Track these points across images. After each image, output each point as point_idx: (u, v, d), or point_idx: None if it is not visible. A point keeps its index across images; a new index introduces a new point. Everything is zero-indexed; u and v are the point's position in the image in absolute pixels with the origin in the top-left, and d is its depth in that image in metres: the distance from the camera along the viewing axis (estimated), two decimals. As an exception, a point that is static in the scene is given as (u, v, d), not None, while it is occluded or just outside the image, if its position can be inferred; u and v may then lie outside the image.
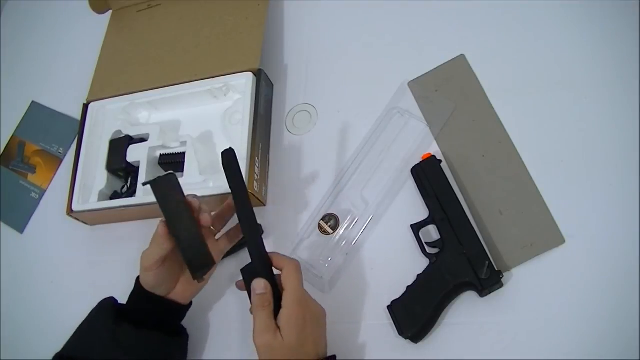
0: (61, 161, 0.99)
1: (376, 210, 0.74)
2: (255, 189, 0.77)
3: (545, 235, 0.66)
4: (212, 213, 0.63)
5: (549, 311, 0.62)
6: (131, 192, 0.84)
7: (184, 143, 0.83)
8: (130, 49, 0.95)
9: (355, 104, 0.82)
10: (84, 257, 0.89)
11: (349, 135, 0.80)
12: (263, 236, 0.78)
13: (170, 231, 0.59)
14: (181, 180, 0.79)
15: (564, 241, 0.65)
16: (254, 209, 0.80)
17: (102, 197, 0.85)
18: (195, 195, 0.62)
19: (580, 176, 0.67)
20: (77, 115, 0.93)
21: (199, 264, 0.62)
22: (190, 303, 0.68)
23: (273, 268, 0.62)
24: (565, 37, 0.75)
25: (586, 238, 0.64)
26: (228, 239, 0.68)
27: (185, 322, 0.70)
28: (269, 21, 0.89)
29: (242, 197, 0.61)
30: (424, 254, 0.68)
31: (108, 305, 0.66)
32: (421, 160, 0.72)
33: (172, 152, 0.84)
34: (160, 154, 0.84)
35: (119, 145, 0.86)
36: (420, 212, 0.71)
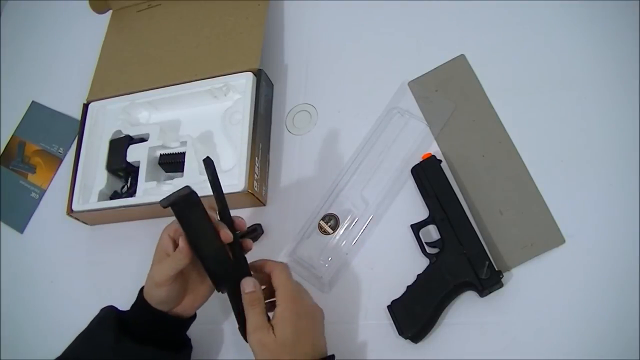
0: (61, 161, 0.99)
1: (376, 210, 0.74)
2: (255, 189, 0.77)
3: (545, 235, 0.66)
4: None
5: (549, 311, 0.62)
6: (131, 192, 0.84)
7: (184, 143, 0.83)
8: (130, 49, 0.95)
9: (355, 104, 0.82)
10: (84, 257, 0.89)
11: (349, 135, 0.80)
12: (263, 236, 0.78)
13: (193, 249, 0.58)
14: (181, 181, 0.80)
15: (564, 241, 0.65)
16: (254, 209, 0.81)
17: (102, 197, 0.85)
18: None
19: (580, 176, 0.67)
20: (77, 115, 0.93)
21: (225, 278, 0.60)
22: (195, 315, 0.66)
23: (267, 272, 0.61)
24: (565, 37, 0.75)
25: (586, 238, 0.64)
26: None
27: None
28: (269, 21, 0.89)
29: (222, 202, 0.60)
30: (424, 254, 0.68)
31: (109, 317, 0.63)
32: (421, 160, 0.72)
33: (172, 152, 0.84)
34: (160, 154, 0.84)
35: (119, 145, 0.86)
36: (420, 212, 0.71)
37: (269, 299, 0.61)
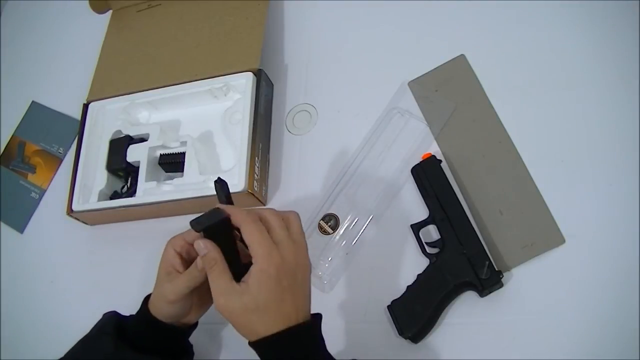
0: (61, 161, 0.99)
1: (376, 210, 0.74)
2: (255, 189, 0.77)
3: (545, 235, 0.66)
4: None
5: (549, 311, 0.62)
6: (131, 192, 0.84)
7: (184, 143, 0.83)
8: (130, 49, 0.95)
9: (355, 104, 0.82)
10: (84, 257, 0.89)
11: (349, 135, 0.80)
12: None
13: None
14: (181, 180, 0.80)
15: (564, 241, 0.65)
16: (254, 208, 0.80)
17: (102, 197, 0.85)
18: None
19: (580, 176, 0.67)
20: (77, 115, 0.93)
21: None
22: (197, 323, 0.65)
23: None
24: (565, 37, 0.75)
25: (586, 238, 0.64)
26: None
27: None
28: (269, 21, 0.89)
29: None
30: (424, 254, 0.68)
31: (110, 323, 0.61)
32: (421, 160, 0.72)
33: (172, 152, 0.84)
34: (160, 154, 0.84)
35: (119, 145, 0.86)
36: (420, 212, 0.71)
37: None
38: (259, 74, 0.83)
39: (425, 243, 0.69)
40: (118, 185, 0.87)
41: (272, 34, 0.92)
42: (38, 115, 1.04)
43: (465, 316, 0.65)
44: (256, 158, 0.78)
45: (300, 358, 0.52)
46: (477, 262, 0.64)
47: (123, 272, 0.83)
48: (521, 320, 0.63)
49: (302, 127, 0.84)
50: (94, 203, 0.84)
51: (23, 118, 1.05)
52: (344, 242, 0.73)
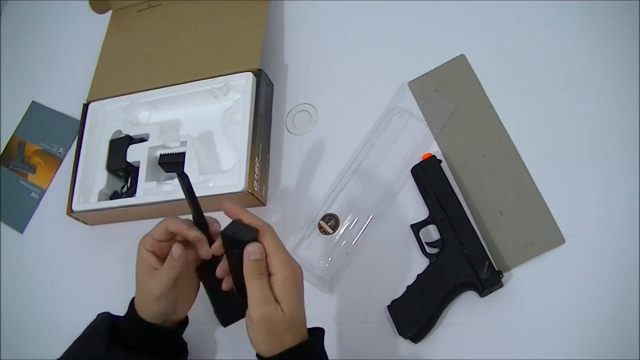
0: (61, 161, 0.99)
1: (376, 210, 0.74)
2: (255, 189, 0.77)
3: (545, 235, 0.66)
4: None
5: (549, 311, 0.62)
6: (131, 192, 0.84)
7: (184, 143, 0.83)
8: (130, 49, 0.95)
9: (355, 104, 0.82)
10: (84, 257, 0.89)
11: (349, 135, 0.80)
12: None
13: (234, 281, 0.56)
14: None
15: (564, 241, 0.65)
16: (254, 209, 0.81)
17: (102, 197, 0.85)
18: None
19: (580, 176, 0.67)
20: (77, 115, 0.93)
21: (231, 312, 0.60)
22: (187, 319, 0.66)
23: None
24: (565, 37, 0.75)
25: (586, 238, 0.64)
26: None
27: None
28: (269, 21, 0.89)
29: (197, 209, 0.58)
30: (424, 254, 0.68)
31: (102, 324, 0.62)
32: (421, 160, 0.72)
33: (172, 152, 0.84)
34: (160, 154, 0.84)
35: (119, 145, 0.86)
36: (420, 212, 0.71)
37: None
38: (259, 74, 0.83)
39: (425, 243, 0.69)
40: (118, 185, 0.87)
41: (272, 34, 0.92)
42: (38, 115, 1.04)
43: (465, 316, 0.65)
44: (256, 158, 0.78)
45: None
46: (477, 262, 0.64)
47: (123, 272, 0.83)
48: (521, 320, 0.63)
49: (302, 127, 0.84)
50: (94, 203, 0.84)
51: (23, 118, 1.05)
52: (344, 242, 0.73)
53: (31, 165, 1.01)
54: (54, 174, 0.98)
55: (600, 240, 0.64)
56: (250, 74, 0.82)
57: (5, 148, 1.04)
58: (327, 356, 0.56)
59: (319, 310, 0.71)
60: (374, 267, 0.72)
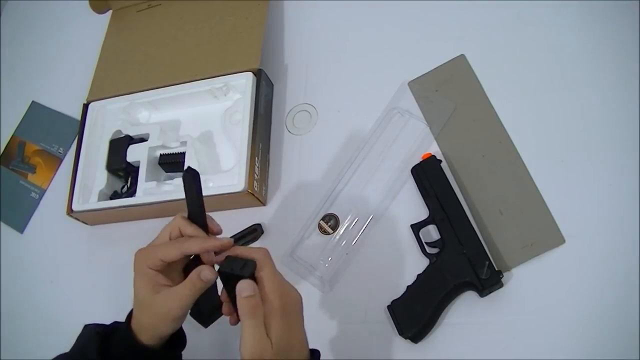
0: (61, 161, 0.99)
1: (376, 210, 0.74)
2: (255, 189, 0.77)
3: (545, 235, 0.66)
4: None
5: (549, 311, 0.62)
6: (131, 192, 0.84)
7: (184, 143, 0.83)
8: (130, 49, 0.95)
9: (355, 104, 0.82)
10: (84, 257, 0.89)
11: (349, 135, 0.80)
12: (263, 236, 0.78)
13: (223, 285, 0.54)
14: (181, 181, 0.80)
15: (564, 241, 0.65)
16: (254, 209, 0.81)
17: (102, 197, 0.85)
18: None
19: (580, 176, 0.67)
20: (77, 115, 0.93)
21: (212, 312, 0.58)
22: (185, 336, 0.61)
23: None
24: (565, 37, 0.75)
25: (586, 238, 0.64)
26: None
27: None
28: (269, 21, 0.89)
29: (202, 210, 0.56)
30: (424, 254, 0.68)
31: (92, 345, 0.56)
32: (421, 160, 0.72)
33: (172, 152, 0.84)
34: (160, 154, 0.84)
35: (119, 145, 0.86)
36: (420, 212, 0.71)
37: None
38: (259, 74, 0.83)
39: (425, 243, 0.69)
40: (118, 185, 0.87)
41: (272, 34, 0.92)
42: (38, 115, 1.05)
43: (465, 316, 0.65)
44: (256, 158, 0.78)
45: None
46: (477, 262, 0.64)
47: (123, 272, 0.82)
48: (521, 320, 0.63)
49: (302, 127, 0.84)
50: (94, 203, 0.84)
51: (23, 118, 1.05)
52: (344, 242, 0.73)
53: (31, 165, 1.01)
54: (54, 174, 0.98)
55: (600, 240, 0.64)
56: (250, 74, 0.82)
57: (5, 148, 1.04)
58: None
59: (319, 310, 0.71)
60: (374, 267, 0.72)
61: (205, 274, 0.52)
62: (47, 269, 0.90)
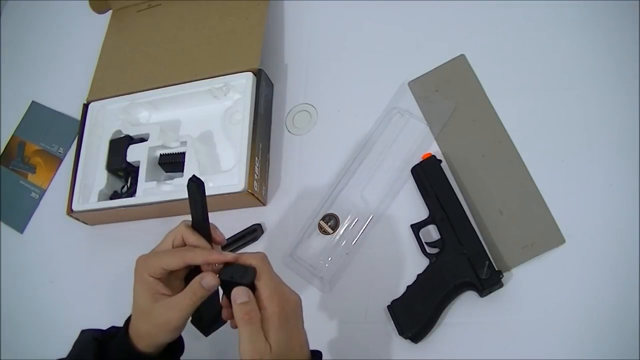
0: (61, 161, 0.99)
1: (376, 210, 0.74)
2: (255, 189, 0.77)
3: (545, 235, 0.66)
4: None
5: (549, 311, 0.62)
6: (131, 192, 0.84)
7: (184, 143, 0.83)
8: (130, 49, 0.95)
9: (355, 104, 0.82)
10: (84, 257, 0.89)
11: (349, 135, 0.80)
12: (263, 236, 0.78)
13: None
14: (181, 180, 0.80)
15: (564, 241, 0.65)
16: (254, 209, 0.81)
17: (102, 197, 0.85)
18: None
19: (580, 176, 0.67)
20: (77, 115, 0.93)
21: (213, 321, 0.58)
22: (183, 341, 0.60)
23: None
24: (565, 37, 0.75)
25: (586, 238, 0.64)
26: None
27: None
28: (269, 21, 0.89)
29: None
30: (424, 254, 0.68)
31: (88, 352, 0.55)
32: (421, 160, 0.72)
33: (172, 152, 0.84)
34: (160, 154, 0.84)
35: (119, 145, 0.86)
36: (420, 212, 0.71)
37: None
38: (259, 74, 0.83)
39: (425, 243, 0.69)
40: (118, 185, 0.87)
41: (272, 34, 0.92)
42: (38, 115, 1.04)
43: (465, 316, 0.65)
44: (256, 158, 0.78)
45: None
46: (477, 262, 0.64)
47: (123, 272, 0.82)
48: (521, 320, 0.63)
49: (302, 127, 0.84)
50: (94, 203, 0.84)
51: (23, 118, 1.05)
52: (344, 242, 0.73)
53: (31, 165, 1.01)
54: (54, 174, 0.98)
55: (600, 240, 0.64)
56: (250, 74, 0.82)
57: (5, 148, 1.04)
58: None
59: (319, 310, 0.71)
60: (374, 267, 0.72)
61: (207, 281, 0.52)
62: (47, 269, 0.90)
